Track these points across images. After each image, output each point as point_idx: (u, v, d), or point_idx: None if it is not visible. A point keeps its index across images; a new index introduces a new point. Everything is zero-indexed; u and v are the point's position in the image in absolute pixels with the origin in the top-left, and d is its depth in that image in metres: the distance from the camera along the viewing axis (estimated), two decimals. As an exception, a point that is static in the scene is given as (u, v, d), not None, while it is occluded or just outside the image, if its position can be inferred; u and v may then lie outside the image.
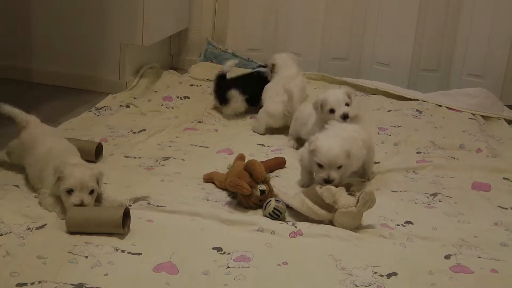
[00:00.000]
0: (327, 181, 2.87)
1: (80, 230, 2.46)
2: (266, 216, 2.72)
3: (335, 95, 3.31)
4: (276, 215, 2.70)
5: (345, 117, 3.23)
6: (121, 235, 2.48)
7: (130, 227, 2.54)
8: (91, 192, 2.57)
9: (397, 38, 4.89)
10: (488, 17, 4.71)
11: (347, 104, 3.28)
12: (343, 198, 2.70)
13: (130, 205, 2.77)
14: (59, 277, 2.18)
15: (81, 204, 2.52)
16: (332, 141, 2.93)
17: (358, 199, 2.67)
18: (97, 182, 2.61)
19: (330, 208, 2.69)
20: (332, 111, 3.27)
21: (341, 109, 3.25)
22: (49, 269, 2.21)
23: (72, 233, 2.44)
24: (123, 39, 4.28)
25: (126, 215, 2.53)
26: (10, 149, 3.01)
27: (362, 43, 4.99)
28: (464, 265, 2.49)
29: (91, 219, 2.48)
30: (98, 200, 2.71)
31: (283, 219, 2.71)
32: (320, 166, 2.89)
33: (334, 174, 2.88)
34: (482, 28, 4.74)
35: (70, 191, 2.53)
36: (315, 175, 2.96)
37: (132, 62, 4.41)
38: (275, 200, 2.73)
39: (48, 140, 2.87)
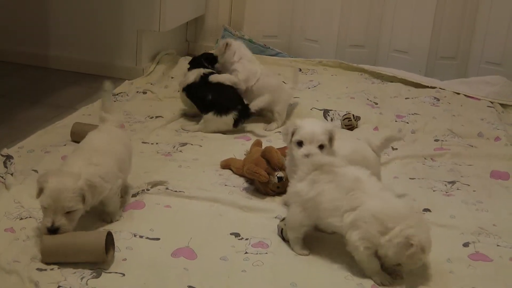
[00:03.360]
0: (307, 155, 2.57)
1: (57, 259, 2.21)
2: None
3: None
4: None
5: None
6: (139, 221, 2.50)
7: (149, 213, 2.56)
8: (69, 212, 2.24)
9: (415, 25, 4.87)
10: (507, 5, 4.68)
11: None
12: None
13: (148, 190, 2.78)
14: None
15: (52, 227, 2.21)
16: (313, 121, 2.75)
17: None
18: (83, 198, 2.26)
19: None
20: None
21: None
22: (68, 253, 2.24)
23: (48, 263, 2.21)
24: (140, 25, 4.29)
25: (110, 241, 2.27)
26: None
27: (380, 31, 4.97)
28: (483, 253, 2.49)
29: (68, 248, 2.21)
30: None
31: None
32: (299, 144, 2.62)
33: (314, 150, 2.59)
34: (501, 16, 4.71)
35: (45, 208, 2.25)
36: (295, 154, 2.63)
37: (149, 49, 4.42)
38: (280, 220, 2.55)
39: (92, 136, 2.62)
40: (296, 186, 2.41)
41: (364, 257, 2.21)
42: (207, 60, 3.75)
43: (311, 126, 2.66)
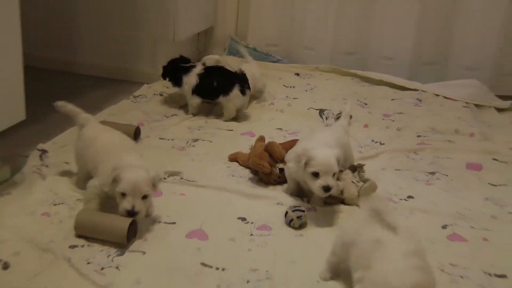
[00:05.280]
0: (327, 189, 2.46)
1: (86, 234, 2.27)
2: (297, 227, 2.48)
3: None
4: (300, 217, 2.48)
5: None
6: (157, 208, 2.51)
7: (166, 200, 2.58)
8: (145, 197, 2.30)
9: (399, 35, 4.86)
10: (481, 16, 4.68)
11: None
12: (348, 189, 2.68)
13: (165, 178, 2.81)
14: (104, 242, 2.26)
15: (132, 210, 2.25)
16: (326, 149, 2.53)
17: (359, 191, 2.65)
18: (154, 186, 2.33)
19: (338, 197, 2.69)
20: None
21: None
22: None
23: (78, 235, 2.28)
24: (157, 35, 4.30)
25: (133, 228, 2.31)
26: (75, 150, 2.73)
27: (369, 39, 4.96)
28: (459, 234, 2.52)
29: (97, 226, 2.26)
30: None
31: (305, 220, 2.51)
32: (315, 175, 2.48)
33: (332, 181, 2.48)
34: (476, 26, 4.71)
35: (123, 194, 2.27)
36: (311, 184, 2.50)
37: (164, 56, 4.41)
38: (292, 210, 2.49)
39: (106, 135, 2.63)
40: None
41: None
42: (182, 61, 3.78)
43: (326, 157, 2.48)
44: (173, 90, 3.90)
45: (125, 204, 2.26)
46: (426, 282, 1.73)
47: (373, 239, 1.84)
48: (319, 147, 2.54)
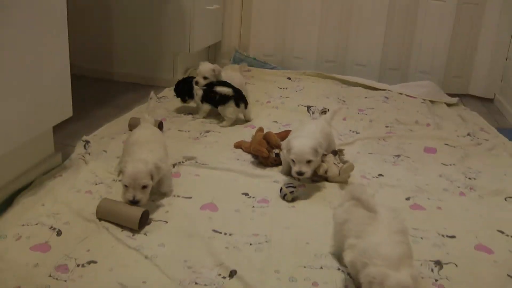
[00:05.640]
0: (299, 174, 2.47)
1: (105, 218, 2.18)
2: (290, 200, 2.46)
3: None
4: (292, 192, 2.47)
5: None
6: (177, 186, 2.50)
7: (184, 179, 2.55)
8: (144, 187, 2.20)
9: (370, 46, 4.86)
10: (433, 32, 4.68)
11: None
12: (330, 169, 2.66)
13: (183, 162, 2.79)
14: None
15: (133, 199, 2.17)
16: (304, 140, 2.49)
17: (340, 171, 2.64)
18: (152, 176, 2.22)
19: (323, 176, 2.68)
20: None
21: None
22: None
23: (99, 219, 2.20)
24: (175, 48, 4.28)
25: (146, 217, 2.20)
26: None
27: (346, 50, 4.95)
28: (419, 204, 2.51)
29: (114, 213, 2.17)
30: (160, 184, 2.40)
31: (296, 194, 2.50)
32: (293, 161, 2.48)
33: (305, 168, 2.47)
34: (429, 39, 4.72)
35: (126, 186, 2.18)
36: (292, 168, 2.51)
37: (181, 65, 4.41)
38: (286, 187, 2.48)
39: (140, 131, 2.54)
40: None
41: (350, 271, 1.83)
42: (188, 79, 3.63)
43: (300, 147, 2.45)
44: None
45: (127, 195, 2.17)
46: (408, 254, 1.70)
47: (368, 214, 1.81)
48: (300, 138, 2.51)
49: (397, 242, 1.70)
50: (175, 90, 3.64)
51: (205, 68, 3.57)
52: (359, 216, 1.84)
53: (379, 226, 1.76)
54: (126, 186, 2.18)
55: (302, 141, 2.49)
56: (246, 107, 3.48)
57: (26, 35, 2.25)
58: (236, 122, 3.49)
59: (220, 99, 3.44)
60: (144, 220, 2.17)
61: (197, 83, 3.55)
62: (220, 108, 3.46)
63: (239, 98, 3.44)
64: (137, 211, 2.14)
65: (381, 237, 1.72)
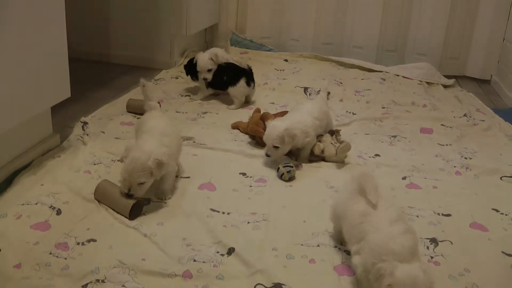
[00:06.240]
0: (267, 155, 2.57)
1: (101, 201, 2.17)
2: (287, 180, 2.47)
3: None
4: (289, 171, 2.48)
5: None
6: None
7: (182, 159, 2.51)
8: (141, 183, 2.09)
9: (367, 28, 4.83)
10: (430, 14, 4.66)
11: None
12: (327, 149, 2.67)
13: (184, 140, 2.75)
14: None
15: (128, 193, 2.09)
16: (275, 127, 2.54)
17: (337, 150, 2.65)
18: (151, 173, 2.10)
19: (320, 155, 2.69)
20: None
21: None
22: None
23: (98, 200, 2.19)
24: (172, 30, 4.26)
25: (140, 206, 2.14)
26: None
27: (343, 32, 4.93)
28: (415, 183, 2.53)
29: (109, 198, 2.15)
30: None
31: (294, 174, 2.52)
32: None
33: (270, 151, 2.56)
34: (426, 21, 4.68)
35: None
36: None
37: (178, 47, 4.40)
38: (283, 166, 2.49)
39: (152, 121, 2.37)
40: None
41: (362, 278, 1.71)
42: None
43: (268, 131, 2.56)
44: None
45: (123, 187, 2.10)
46: (415, 241, 1.67)
47: (359, 212, 1.76)
48: (276, 123, 2.58)
49: (402, 232, 1.65)
50: (185, 67, 3.64)
51: (204, 62, 3.48)
52: (354, 215, 1.78)
53: (374, 219, 1.72)
54: (123, 178, 2.10)
55: (272, 127, 2.55)
56: (254, 87, 3.49)
57: (24, 16, 2.25)
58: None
59: (230, 80, 3.42)
60: (138, 211, 2.12)
61: (206, 79, 3.50)
62: (230, 89, 3.42)
63: (250, 77, 3.45)
64: (129, 201, 2.09)
65: (383, 231, 1.66)
